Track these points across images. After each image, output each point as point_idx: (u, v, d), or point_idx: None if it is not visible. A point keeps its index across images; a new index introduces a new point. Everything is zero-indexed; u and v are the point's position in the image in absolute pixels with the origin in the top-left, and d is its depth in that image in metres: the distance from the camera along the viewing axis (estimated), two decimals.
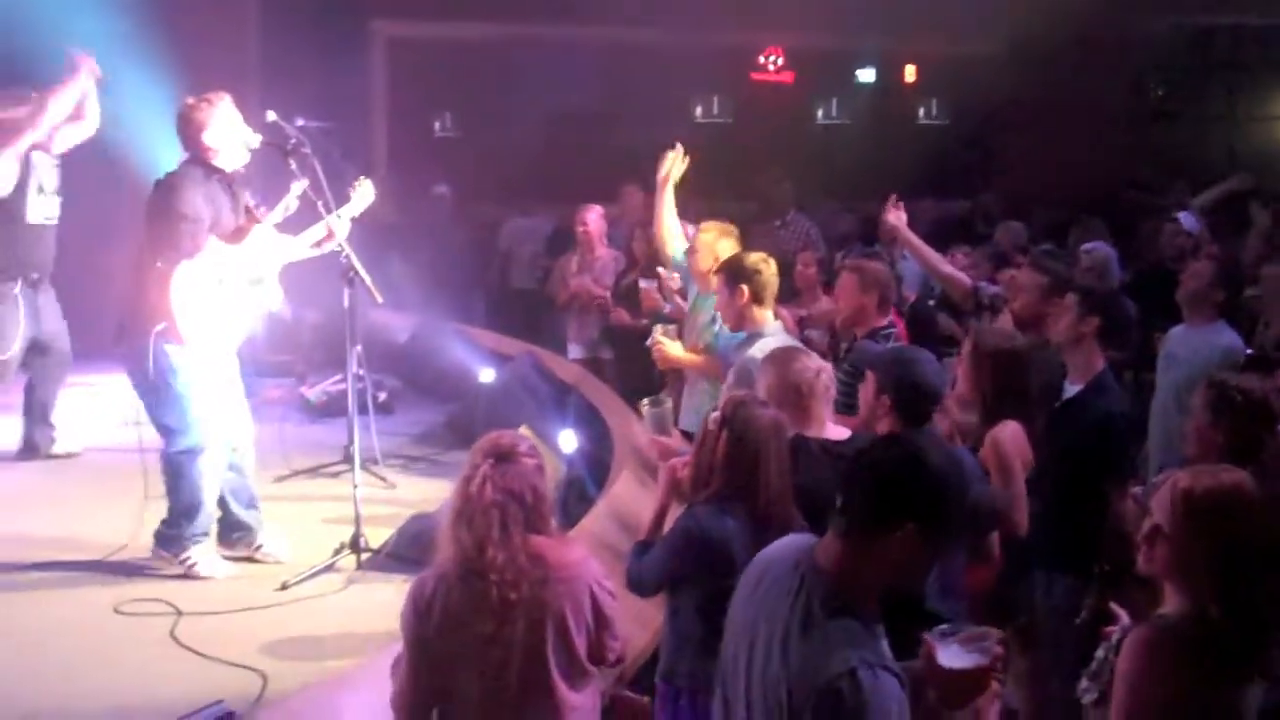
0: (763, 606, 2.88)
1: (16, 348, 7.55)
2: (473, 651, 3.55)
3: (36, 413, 7.98)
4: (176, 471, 6.08)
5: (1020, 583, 5.17)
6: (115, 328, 6.09)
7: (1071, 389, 5.49)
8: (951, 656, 2.90)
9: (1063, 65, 15.04)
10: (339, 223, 6.40)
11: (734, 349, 5.99)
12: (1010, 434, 4.99)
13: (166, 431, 6.07)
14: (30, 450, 7.98)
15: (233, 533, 6.34)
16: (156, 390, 5.98)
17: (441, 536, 3.70)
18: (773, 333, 5.87)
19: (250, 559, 6.28)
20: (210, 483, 6.14)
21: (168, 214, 5.89)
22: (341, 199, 6.51)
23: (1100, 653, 3.32)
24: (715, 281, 6.11)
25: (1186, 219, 10.33)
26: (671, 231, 7.05)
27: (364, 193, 6.65)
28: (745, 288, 5.87)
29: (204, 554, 6.14)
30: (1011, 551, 4.93)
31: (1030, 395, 5.20)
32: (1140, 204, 12.62)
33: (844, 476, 2.86)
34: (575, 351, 9.73)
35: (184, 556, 6.10)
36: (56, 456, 7.94)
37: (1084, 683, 3.36)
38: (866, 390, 4.39)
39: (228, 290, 6.07)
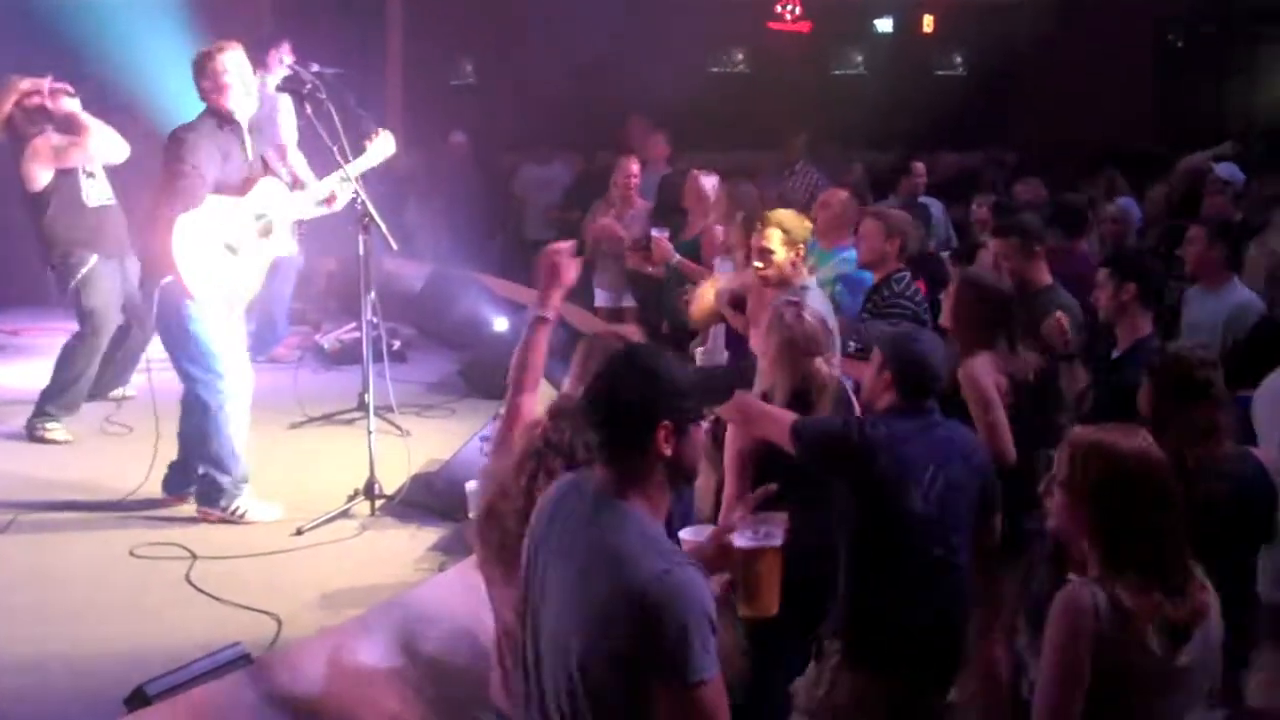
0: (561, 540, 2.94)
1: (110, 309, 7.54)
2: None
3: (120, 358, 7.97)
4: (202, 419, 6.08)
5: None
6: (140, 277, 6.10)
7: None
8: (742, 538, 3.14)
9: (1082, 16, 14.92)
10: (343, 185, 6.39)
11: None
12: (980, 364, 5.03)
13: (189, 379, 6.07)
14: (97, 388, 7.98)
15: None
16: (177, 337, 5.99)
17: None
18: (812, 288, 6.01)
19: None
20: (237, 427, 6.15)
21: (171, 165, 5.89)
22: (357, 147, 6.50)
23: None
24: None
25: (1226, 169, 10.25)
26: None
27: (382, 145, 6.62)
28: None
29: (250, 499, 6.17)
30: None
31: (1007, 331, 5.24)
32: (1160, 157, 12.51)
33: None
34: (601, 299, 9.71)
35: (232, 508, 6.12)
36: (113, 399, 7.93)
37: (1023, 639, 3.42)
38: (871, 366, 4.39)
39: (234, 242, 6.05)
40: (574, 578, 2.83)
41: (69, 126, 7.32)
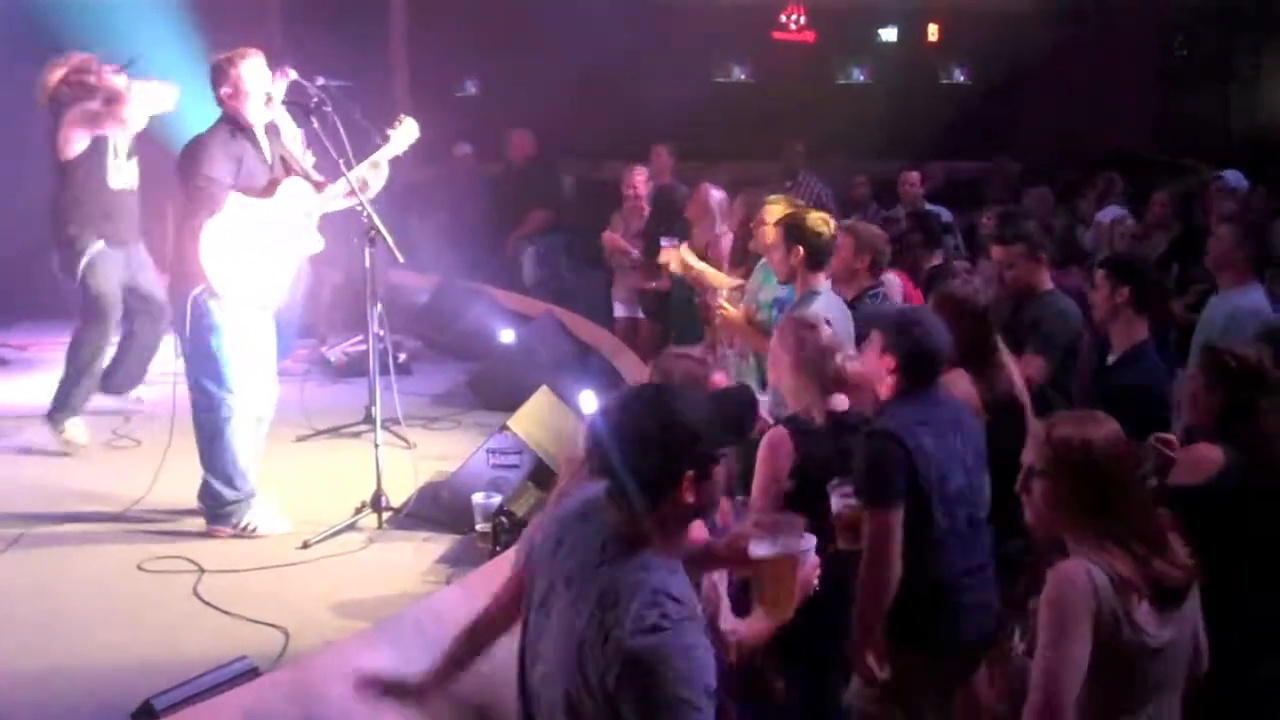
0: (566, 569, 2.89)
1: (114, 294, 7.56)
2: None
3: (132, 358, 7.99)
4: (211, 436, 6.07)
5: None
6: (169, 288, 6.16)
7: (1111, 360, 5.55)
8: (760, 546, 3.15)
9: (1087, 24, 14.92)
10: (376, 170, 6.39)
11: (791, 308, 5.99)
12: (952, 380, 4.93)
13: (202, 393, 6.06)
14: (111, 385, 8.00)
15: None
16: (200, 352, 6.00)
17: None
18: (824, 292, 5.94)
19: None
20: (244, 442, 6.15)
21: (191, 175, 5.92)
22: (362, 158, 6.49)
23: (1032, 604, 3.38)
24: (773, 235, 6.12)
25: (1232, 176, 10.23)
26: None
27: (406, 131, 6.57)
28: (802, 248, 5.92)
29: (259, 514, 6.16)
30: None
31: (984, 346, 5.20)
32: (1164, 165, 12.53)
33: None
34: (619, 310, 9.72)
35: (242, 524, 6.12)
36: (129, 399, 7.95)
37: (1015, 639, 3.44)
38: (871, 351, 4.38)
39: (264, 243, 6.06)
40: (575, 614, 2.79)
41: (113, 99, 7.37)
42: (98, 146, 7.39)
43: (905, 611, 4.13)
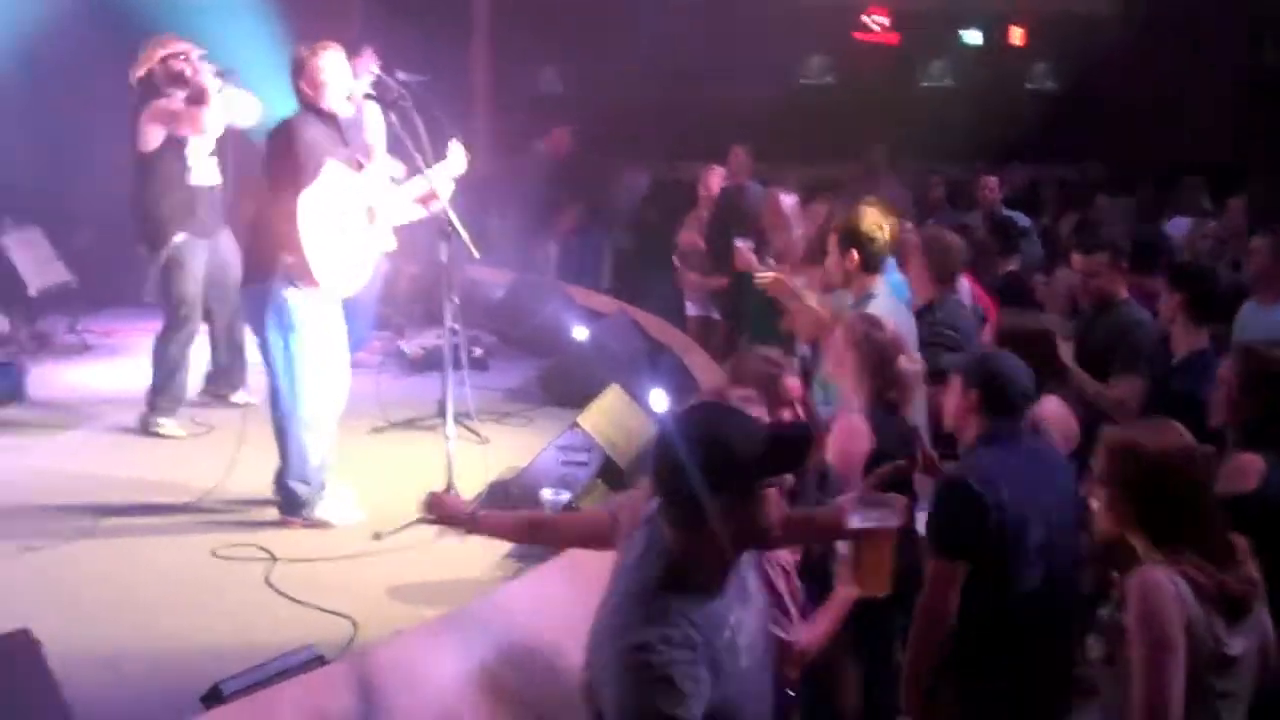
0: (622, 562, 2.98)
1: (196, 293, 7.67)
2: None
3: (222, 343, 8.10)
4: (286, 428, 6.13)
5: None
6: (243, 276, 6.24)
7: None
8: (858, 519, 3.20)
9: (1175, 25, 14.69)
10: (442, 182, 6.41)
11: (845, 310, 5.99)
12: (1051, 409, 4.85)
13: (279, 385, 6.10)
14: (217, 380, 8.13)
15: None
16: (273, 343, 6.05)
17: None
18: (881, 295, 5.91)
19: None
20: (316, 436, 6.19)
21: (287, 153, 5.93)
22: (441, 155, 6.54)
23: (1103, 612, 3.36)
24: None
25: None
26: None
27: (454, 160, 6.53)
28: (856, 252, 5.90)
29: (330, 507, 6.22)
30: None
31: (1053, 369, 5.20)
32: (1248, 172, 12.30)
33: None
34: (691, 309, 9.72)
35: (315, 515, 6.18)
36: (235, 403, 7.98)
37: (1090, 640, 3.40)
38: (952, 392, 4.30)
39: (346, 227, 6.09)
40: (607, 599, 2.88)
41: (197, 100, 7.45)
42: (176, 142, 7.48)
43: (972, 661, 4.02)
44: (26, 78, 9.61)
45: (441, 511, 3.99)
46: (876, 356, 4.68)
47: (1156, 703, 3.01)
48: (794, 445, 2.99)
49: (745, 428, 2.90)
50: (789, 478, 2.95)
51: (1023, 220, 9.99)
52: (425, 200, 6.43)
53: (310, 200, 5.90)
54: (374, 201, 6.24)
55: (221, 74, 7.50)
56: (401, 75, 6.80)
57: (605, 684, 2.75)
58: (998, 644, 4.00)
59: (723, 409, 3.18)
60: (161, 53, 7.46)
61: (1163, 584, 3.06)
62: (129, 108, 7.53)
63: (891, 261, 6.34)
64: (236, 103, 7.61)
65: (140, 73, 7.50)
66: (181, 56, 7.47)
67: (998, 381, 4.12)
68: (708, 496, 2.76)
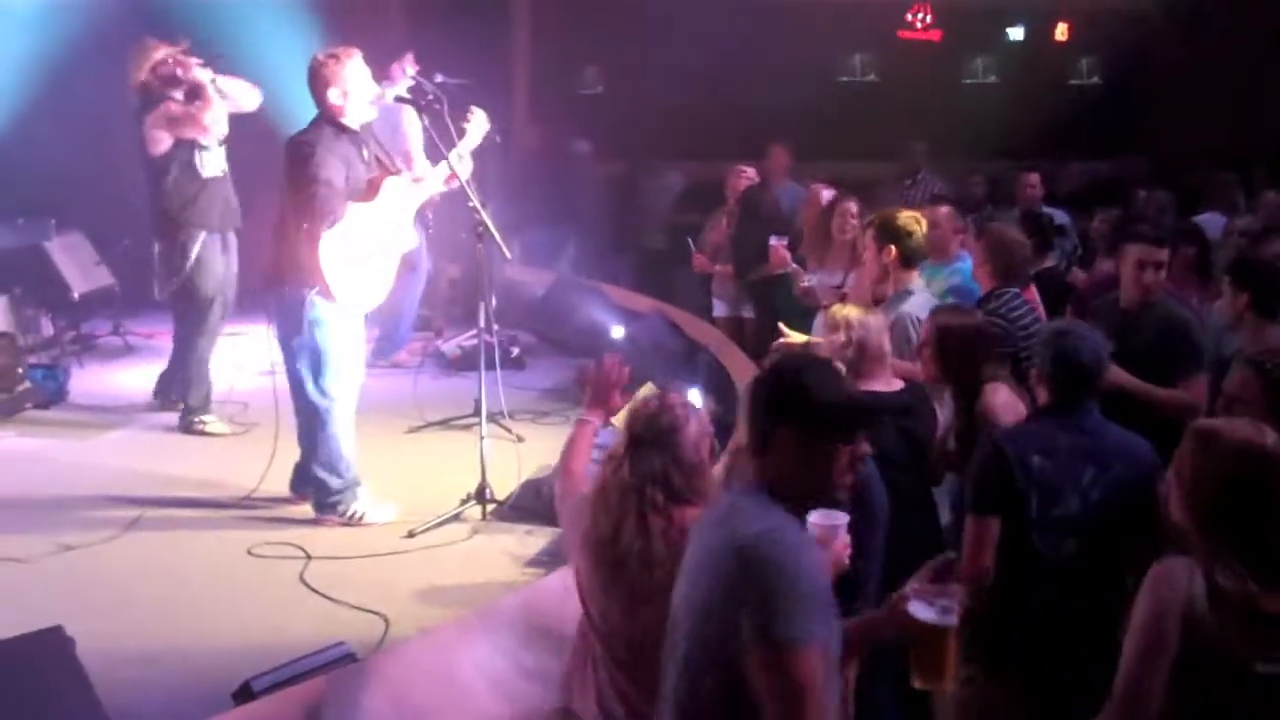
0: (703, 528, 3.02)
1: (217, 291, 7.75)
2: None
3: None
4: (317, 426, 6.18)
5: None
6: (261, 279, 6.27)
7: None
8: (923, 610, 3.10)
9: (1218, 20, 14.52)
10: (460, 162, 6.46)
11: (885, 307, 5.98)
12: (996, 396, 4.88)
13: (309, 386, 6.14)
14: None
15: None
16: (298, 345, 6.10)
17: (579, 511, 3.76)
18: (919, 290, 5.95)
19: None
20: (345, 429, 6.26)
21: (306, 182, 5.92)
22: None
23: None
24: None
25: None
26: None
27: (478, 122, 6.63)
28: (894, 247, 5.92)
29: (365, 502, 6.27)
30: None
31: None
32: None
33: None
34: (719, 309, 9.71)
35: (349, 512, 6.23)
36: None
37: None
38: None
39: (369, 249, 6.14)
40: (701, 552, 2.91)
41: (194, 96, 7.55)
42: (185, 141, 7.55)
43: (993, 635, 4.03)
44: (69, 85, 9.72)
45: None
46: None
47: (1122, 693, 2.98)
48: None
49: (827, 378, 3.00)
50: (864, 445, 2.97)
51: (1060, 217, 9.90)
52: (449, 180, 6.51)
53: (334, 238, 5.95)
54: (393, 211, 6.27)
55: (208, 64, 7.59)
56: (439, 78, 6.84)
57: (744, 589, 2.70)
58: (1019, 606, 4.02)
59: (813, 360, 3.34)
60: (148, 64, 7.54)
61: (1173, 574, 3.01)
62: (133, 114, 7.62)
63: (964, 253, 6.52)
64: (233, 90, 7.70)
65: (136, 81, 7.58)
66: (169, 60, 7.55)
67: (1064, 362, 4.16)
68: (774, 425, 2.90)
